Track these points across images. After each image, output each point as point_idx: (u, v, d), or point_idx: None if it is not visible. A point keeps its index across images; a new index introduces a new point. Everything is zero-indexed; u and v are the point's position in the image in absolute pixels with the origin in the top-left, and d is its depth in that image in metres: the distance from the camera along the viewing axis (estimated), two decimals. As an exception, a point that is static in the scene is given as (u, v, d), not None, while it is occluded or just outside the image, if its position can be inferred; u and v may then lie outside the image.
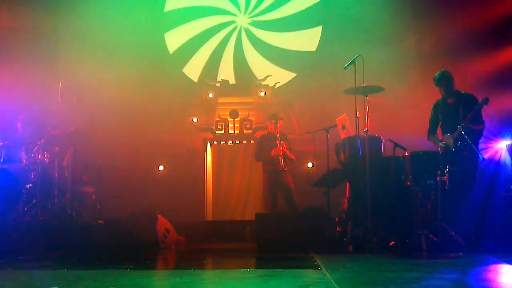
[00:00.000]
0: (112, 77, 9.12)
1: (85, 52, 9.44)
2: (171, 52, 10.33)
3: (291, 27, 10.13)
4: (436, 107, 6.60)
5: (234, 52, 10.30)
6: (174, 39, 10.37)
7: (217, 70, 10.24)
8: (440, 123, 6.54)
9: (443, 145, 6.20)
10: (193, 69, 10.27)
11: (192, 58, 10.31)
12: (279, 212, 7.98)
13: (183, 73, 10.21)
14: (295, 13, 10.19)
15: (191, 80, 10.20)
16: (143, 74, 9.55)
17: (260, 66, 10.13)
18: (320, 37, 9.96)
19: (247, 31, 10.29)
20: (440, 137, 6.42)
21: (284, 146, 7.95)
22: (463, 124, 5.97)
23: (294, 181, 8.03)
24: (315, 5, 10.11)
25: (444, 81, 6.35)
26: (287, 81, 9.97)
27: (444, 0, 8.97)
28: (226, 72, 10.22)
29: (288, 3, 10.24)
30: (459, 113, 6.21)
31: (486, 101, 5.89)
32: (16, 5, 9.13)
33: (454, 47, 8.18)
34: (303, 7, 10.17)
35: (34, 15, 9.28)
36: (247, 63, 10.20)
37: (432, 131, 6.59)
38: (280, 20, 10.22)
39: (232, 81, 10.13)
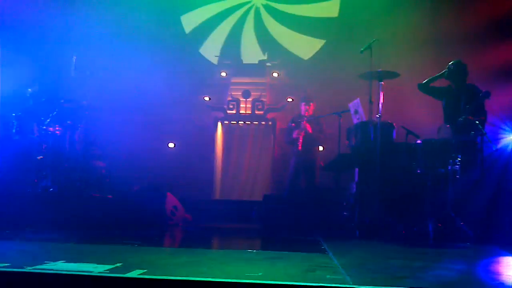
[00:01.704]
0: (125, 52, 9.08)
1: (100, 26, 9.38)
2: (187, 32, 10.12)
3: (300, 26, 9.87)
4: (441, 89, 6.62)
5: (254, 29, 10.05)
6: (190, 20, 10.13)
7: (239, 50, 10.00)
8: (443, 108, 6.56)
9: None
10: (210, 50, 10.05)
11: (208, 39, 10.10)
12: (285, 194, 8.00)
13: (199, 53, 10.01)
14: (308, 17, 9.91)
15: (207, 60, 10.00)
16: (157, 51, 9.48)
17: (287, 37, 9.87)
18: (325, 42, 9.73)
19: (267, 7, 10.07)
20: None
21: (308, 128, 7.88)
22: (464, 116, 5.90)
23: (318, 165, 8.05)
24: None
25: (455, 68, 6.34)
26: (314, 52, 9.72)
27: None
28: (250, 50, 9.97)
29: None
30: (460, 103, 6.18)
31: (487, 95, 5.80)
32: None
33: (473, 35, 8.02)
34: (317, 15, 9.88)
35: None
36: (273, 37, 9.95)
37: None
38: (292, 16, 9.93)
39: (259, 58, 9.89)
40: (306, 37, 9.84)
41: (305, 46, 9.82)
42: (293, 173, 8.07)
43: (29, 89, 7.71)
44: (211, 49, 10.02)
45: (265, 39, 9.96)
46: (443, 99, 6.56)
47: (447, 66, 6.44)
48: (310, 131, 7.89)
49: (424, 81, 6.62)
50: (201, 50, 10.04)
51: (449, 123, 6.17)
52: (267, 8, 10.06)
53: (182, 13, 10.12)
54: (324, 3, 9.83)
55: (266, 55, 9.84)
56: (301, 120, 7.92)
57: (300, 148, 7.80)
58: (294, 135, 7.92)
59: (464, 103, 6.17)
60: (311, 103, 8.07)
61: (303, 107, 8.09)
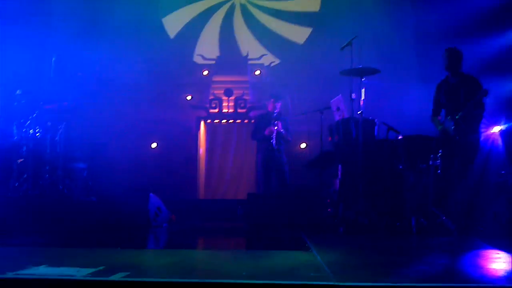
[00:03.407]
0: (106, 52, 9.02)
1: (79, 25, 9.30)
2: (171, 37, 10.04)
3: (285, 17, 9.94)
4: (439, 86, 6.56)
5: (221, 23, 10.05)
6: (174, 22, 10.10)
7: (197, 38, 10.00)
8: (443, 103, 6.50)
9: (440, 128, 6.23)
10: (173, 24, 10.03)
11: (175, 12, 10.05)
12: (271, 192, 7.99)
13: (183, 55, 9.95)
14: (290, 11, 9.98)
15: (169, 36, 9.95)
16: (138, 50, 9.41)
17: (247, 43, 9.93)
18: (312, 30, 9.77)
19: (243, 7, 10.08)
20: (443, 119, 6.40)
21: (279, 126, 7.87)
22: (461, 114, 5.94)
23: (288, 162, 7.99)
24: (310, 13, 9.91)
25: (452, 56, 6.30)
26: (307, 37, 9.77)
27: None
28: (209, 42, 9.99)
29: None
30: (461, 96, 6.19)
31: (485, 93, 5.84)
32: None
33: (453, 29, 8.09)
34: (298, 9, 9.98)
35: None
36: (235, 38, 9.99)
37: (435, 112, 6.57)
38: (275, 10, 9.98)
39: (215, 53, 9.96)
40: (294, 25, 9.87)
41: (296, 32, 9.85)
42: (264, 170, 8.04)
43: (18, 91, 7.58)
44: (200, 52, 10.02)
45: (259, 31, 9.97)
46: (441, 95, 6.49)
47: (442, 54, 6.37)
48: (281, 129, 7.86)
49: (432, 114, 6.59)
50: (195, 58, 10.02)
51: (451, 117, 6.17)
52: (251, 3, 10.02)
53: (164, 15, 10.05)
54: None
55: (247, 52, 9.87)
56: (272, 117, 7.87)
57: (275, 145, 7.73)
58: (267, 132, 7.87)
59: (464, 96, 6.15)
60: (279, 102, 8.02)
61: (271, 104, 8.03)
